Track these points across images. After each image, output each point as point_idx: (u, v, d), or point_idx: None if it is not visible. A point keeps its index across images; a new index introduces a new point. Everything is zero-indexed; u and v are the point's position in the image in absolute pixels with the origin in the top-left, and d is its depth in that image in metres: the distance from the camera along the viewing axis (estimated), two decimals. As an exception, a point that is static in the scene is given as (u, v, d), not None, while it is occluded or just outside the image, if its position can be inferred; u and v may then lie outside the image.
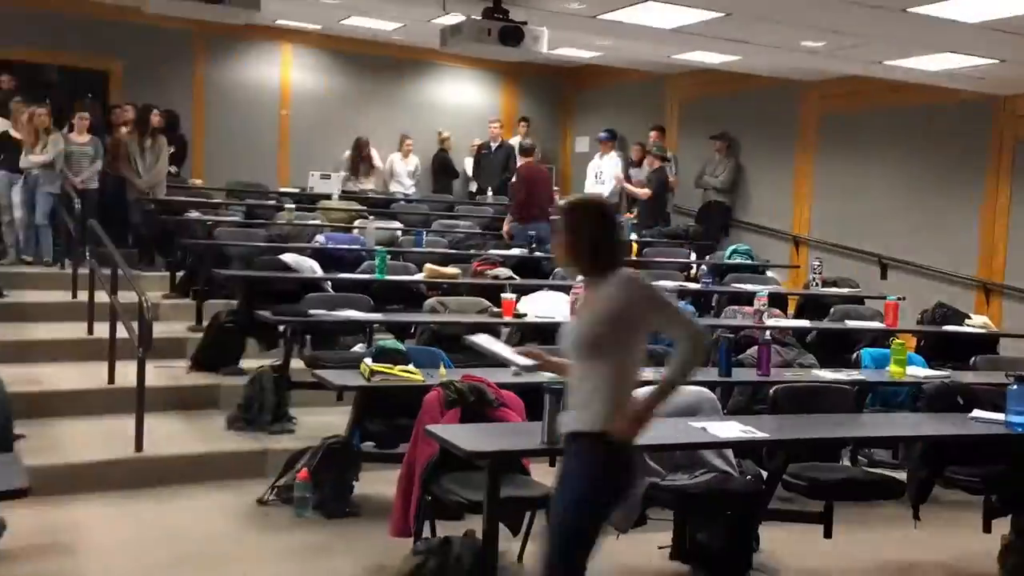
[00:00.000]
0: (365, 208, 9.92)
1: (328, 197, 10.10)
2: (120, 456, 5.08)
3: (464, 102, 13.23)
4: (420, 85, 13.02)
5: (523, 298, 6.43)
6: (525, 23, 5.81)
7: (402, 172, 12.13)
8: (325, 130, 12.13)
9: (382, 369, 4.57)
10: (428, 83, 13.07)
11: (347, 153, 11.58)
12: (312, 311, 5.58)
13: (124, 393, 5.53)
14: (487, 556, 3.37)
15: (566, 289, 6.43)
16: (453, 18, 6.30)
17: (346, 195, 10.42)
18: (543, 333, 6.13)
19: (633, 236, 9.73)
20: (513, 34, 5.74)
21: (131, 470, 5.03)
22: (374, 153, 11.31)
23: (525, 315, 6.08)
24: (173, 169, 10.02)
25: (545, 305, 6.38)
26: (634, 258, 9.03)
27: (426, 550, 3.52)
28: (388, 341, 5.10)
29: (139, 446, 5.14)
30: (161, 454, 5.19)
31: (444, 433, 3.54)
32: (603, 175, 11.27)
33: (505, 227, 9.13)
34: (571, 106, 13.95)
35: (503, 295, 6.03)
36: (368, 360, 4.64)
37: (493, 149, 11.95)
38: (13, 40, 10.48)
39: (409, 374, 4.60)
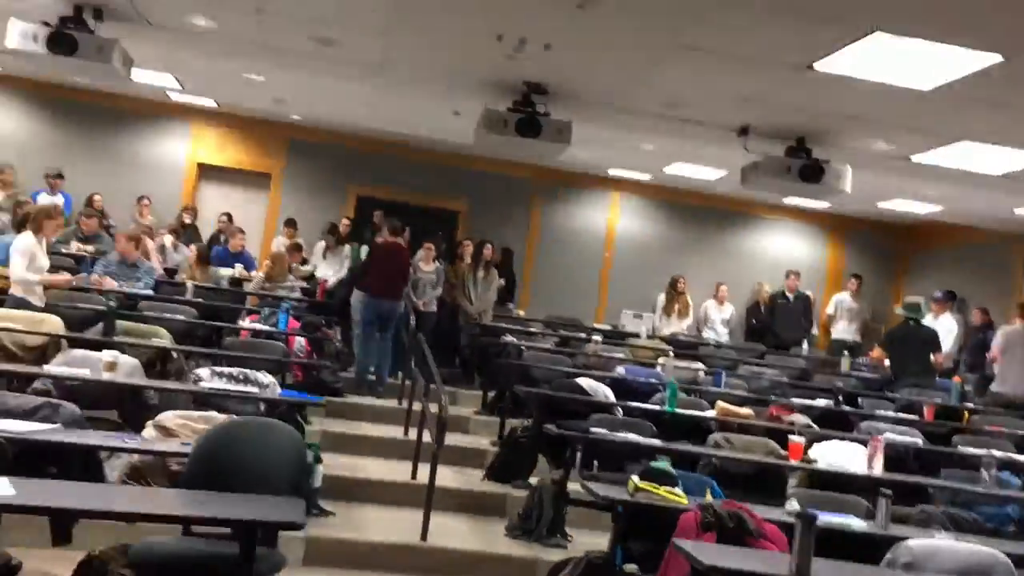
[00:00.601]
0: (671, 348, 10.05)
1: (637, 335, 10.39)
2: (406, 542, 5.51)
3: (785, 254, 13.11)
4: (741, 235, 13.17)
5: (816, 445, 6.13)
6: (828, 161, 5.79)
7: (716, 319, 12.21)
8: (643, 273, 12.61)
9: (647, 487, 4.59)
10: (750, 234, 13.19)
11: (662, 295, 11.95)
12: (594, 429, 5.74)
13: (423, 488, 6.00)
14: None
15: (864, 442, 6.05)
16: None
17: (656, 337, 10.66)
18: (831, 482, 5.78)
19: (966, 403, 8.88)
20: (813, 171, 5.74)
21: (413, 556, 5.42)
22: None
23: (815, 461, 5.78)
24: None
25: (840, 454, 6.02)
26: (962, 424, 8.24)
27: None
28: (660, 463, 5.10)
29: (424, 536, 5.54)
30: (442, 546, 5.54)
31: (690, 548, 3.49)
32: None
33: None
34: (905, 265, 13.24)
35: (791, 437, 5.79)
36: (635, 477, 4.69)
37: (791, 300, 11.72)
38: (384, 182, 12.25)
39: (675, 496, 4.57)
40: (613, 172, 12.26)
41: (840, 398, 7.95)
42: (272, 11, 6.05)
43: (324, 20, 6.05)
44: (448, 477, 6.75)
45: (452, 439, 7.75)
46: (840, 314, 11.73)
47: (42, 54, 5.87)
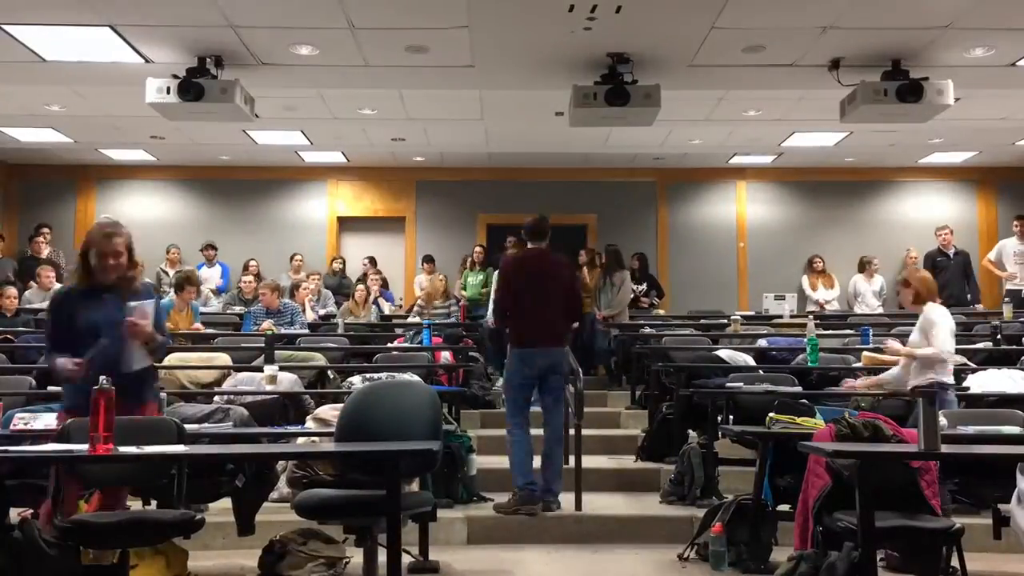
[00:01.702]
0: (818, 322, 9.83)
1: (779, 317, 10.24)
2: (561, 513, 5.68)
3: (933, 216, 12.59)
4: (880, 204, 12.79)
5: (972, 376, 5.96)
6: (926, 79, 5.65)
7: (866, 292, 11.84)
8: (782, 257, 12.45)
9: (784, 419, 4.61)
10: (888, 200, 12.80)
11: (806, 278, 11.73)
12: (729, 384, 5.77)
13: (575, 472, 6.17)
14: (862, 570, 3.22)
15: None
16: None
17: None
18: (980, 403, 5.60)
19: None
20: (912, 90, 5.61)
21: (569, 525, 5.58)
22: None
23: (968, 388, 5.60)
24: (655, 301, 11.18)
25: (997, 382, 5.83)
26: None
27: (800, 556, 3.46)
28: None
29: (578, 506, 5.69)
30: (597, 514, 5.68)
31: (817, 443, 3.52)
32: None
33: None
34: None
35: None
36: (772, 414, 4.72)
37: (951, 256, 11.17)
38: (510, 207, 12.64)
39: (812, 423, 4.56)
40: (734, 161, 12.20)
41: (1000, 336, 7.58)
42: (362, 24, 6.41)
43: (410, 22, 6.34)
44: (601, 463, 6.90)
45: (604, 432, 7.91)
46: (1008, 259, 10.81)
47: (175, 103, 6.54)
